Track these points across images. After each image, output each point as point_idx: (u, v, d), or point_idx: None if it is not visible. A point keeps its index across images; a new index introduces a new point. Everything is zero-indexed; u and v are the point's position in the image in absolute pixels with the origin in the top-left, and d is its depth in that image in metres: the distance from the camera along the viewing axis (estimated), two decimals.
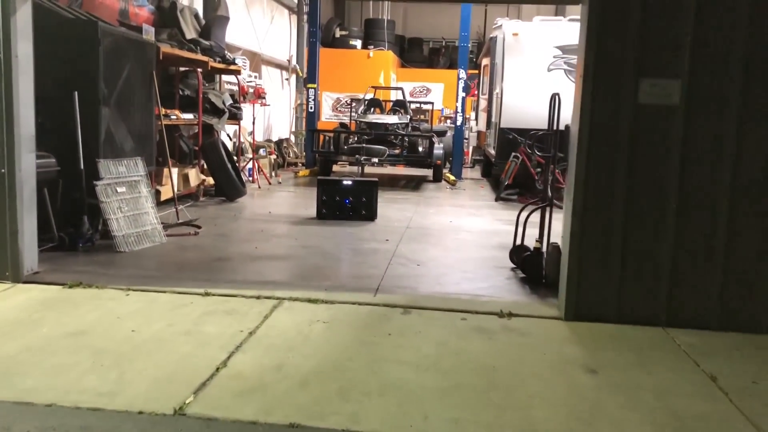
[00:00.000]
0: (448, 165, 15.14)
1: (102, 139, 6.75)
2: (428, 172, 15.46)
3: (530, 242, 6.22)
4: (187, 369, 3.70)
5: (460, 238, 7.88)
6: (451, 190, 13.17)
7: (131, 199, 6.81)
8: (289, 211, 9.53)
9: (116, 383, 3.49)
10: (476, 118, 18.08)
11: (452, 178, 14.18)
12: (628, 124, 4.70)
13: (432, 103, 16.99)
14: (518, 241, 6.44)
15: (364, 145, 11.55)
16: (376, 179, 8.99)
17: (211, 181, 10.34)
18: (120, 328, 4.33)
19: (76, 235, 6.39)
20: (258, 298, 5.05)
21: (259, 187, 12.04)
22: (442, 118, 20.57)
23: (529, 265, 5.84)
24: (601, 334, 4.59)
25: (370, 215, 8.81)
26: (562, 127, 11.37)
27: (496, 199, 11.54)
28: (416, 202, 11.01)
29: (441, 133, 14.78)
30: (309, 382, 3.59)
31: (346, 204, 8.78)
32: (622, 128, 4.71)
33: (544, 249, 5.96)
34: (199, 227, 7.76)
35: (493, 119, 12.97)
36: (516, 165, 11.32)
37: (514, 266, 6.37)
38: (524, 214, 6.39)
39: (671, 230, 4.72)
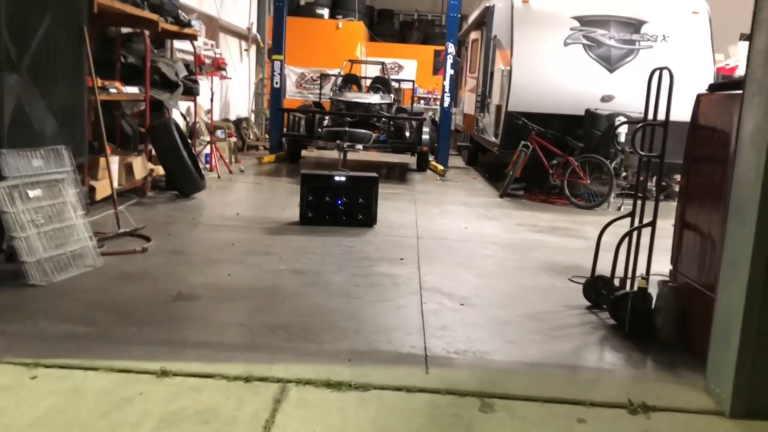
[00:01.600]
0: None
1: (6, 119, 4.72)
2: (410, 159, 13.67)
3: (602, 266, 4.53)
4: None
5: (491, 254, 6.11)
6: (442, 181, 11.41)
7: (51, 207, 4.80)
8: (262, 211, 7.60)
9: None
10: (454, 99, 16.34)
11: (440, 167, 12.41)
12: None
13: (413, 81, 15.14)
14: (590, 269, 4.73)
15: (347, 128, 9.66)
16: (376, 175, 7.14)
17: (161, 170, 8.31)
18: None
19: None
20: (247, 380, 3.18)
21: (219, 177, 10.03)
22: (416, 98, 18.73)
23: (632, 312, 4.09)
24: None
25: (369, 220, 6.97)
26: (578, 111, 9.74)
27: (501, 195, 9.83)
28: (410, 198, 9.20)
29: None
30: None
31: (338, 205, 6.92)
32: None
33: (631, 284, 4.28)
34: (147, 239, 5.79)
35: (493, 101, 11.22)
36: (526, 156, 9.62)
37: (590, 305, 4.66)
38: (608, 232, 4.64)
39: None
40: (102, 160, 6.65)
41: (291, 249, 5.86)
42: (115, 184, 7.15)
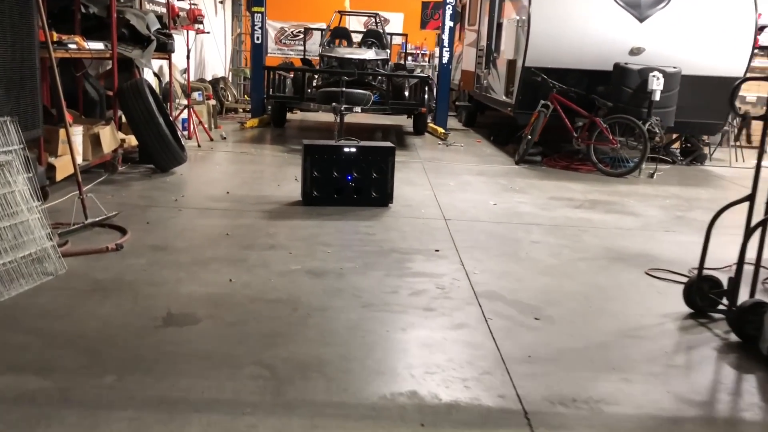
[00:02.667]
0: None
1: None
2: (405, 122, 12.58)
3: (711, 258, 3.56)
4: None
5: (539, 240, 5.11)
6: (446, 146, 10.35)
7: None
8: (255, 188, 6.49)
9: None
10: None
11: (441, 130, 11.33)
12: None
13: (406, 35, 13.92)
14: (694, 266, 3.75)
15: (343, 89, 8.51)
16: (392, 144, 6.06)
17: (134, 140, 7.13)
18: None
19: None
20: None
21: (199, 146, 8.86)
22: (403, 55, 17.46)
23: None
24: None
25: (384, 198, 5.92)
26: (604, 66, 8.70)
27: (518, 162, 8.82)
28: (419, 167, 8.16)
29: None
30: None
31: (348, 181, 5.84)
32: None
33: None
34: (122, 231, 4.68)
35: (503, 55, 10.10)
36: (545, 117, 8.57)
37: (692, 311, 3.70)
38: (723, 218, 3.63)
39: None
40: (62, 131, 5.47)
41: (299, 239, 4.80)
42: (80, 160, 6.02)
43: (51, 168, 5.50)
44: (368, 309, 3.54)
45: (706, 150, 9.94)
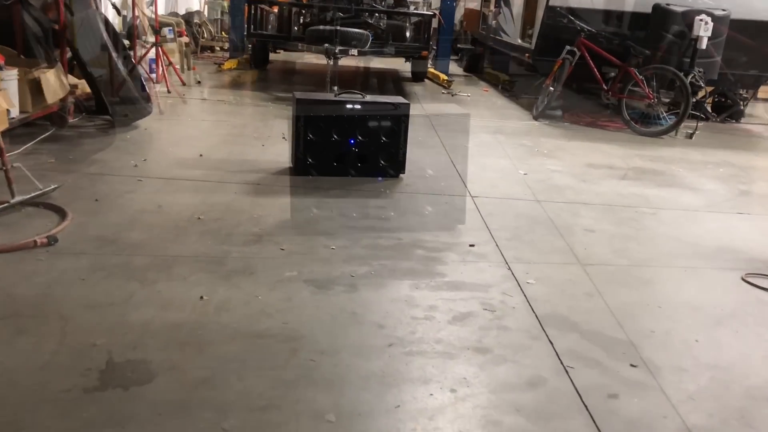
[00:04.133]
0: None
1: None
2: (400, 66, 11.36)
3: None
4: None
5: (593, 228, 4.08)
6: (450, 96, 9.21)
7: None
8: (235, 150, 5.35)
9: None
10: None
11: (443, 76, 10.15)
12: None
13: None
14: None
15: (338, 27, 7.29)
16: (405, 100, 4.93)
17: (87, 87, 5.91)
18: None
19: None
20: None
21: (169, 92, 7.64)
22: None
23: None
24: None
25: (395, 167, 4.83)
26: (641, 8, 7.53)
27: (537, 117, 7.72)
28: (425, 123, 7.06)
29: None
30: None
31: (351, 146, 4.73)
32: None
33: None
34: (60, 213, 3.57)
35: None
36: (570, 65, 7.43)
37: None
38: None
39: None
40: None
41: (293, 226, 3.72)
42: (16, 113, 4.85)
43: None
44: (397, 350, 2.50)
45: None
